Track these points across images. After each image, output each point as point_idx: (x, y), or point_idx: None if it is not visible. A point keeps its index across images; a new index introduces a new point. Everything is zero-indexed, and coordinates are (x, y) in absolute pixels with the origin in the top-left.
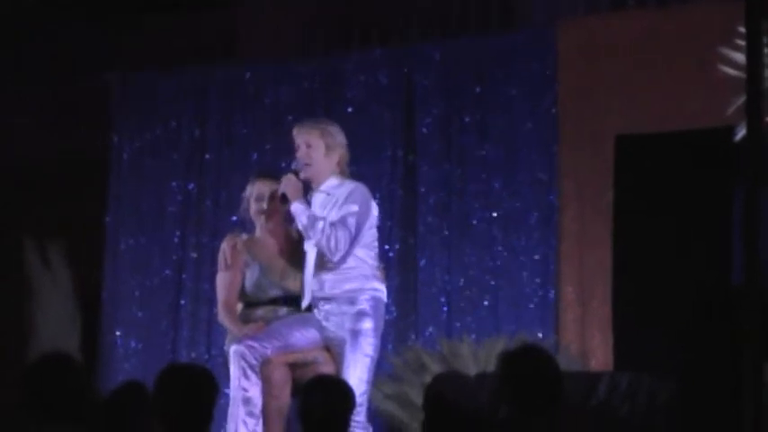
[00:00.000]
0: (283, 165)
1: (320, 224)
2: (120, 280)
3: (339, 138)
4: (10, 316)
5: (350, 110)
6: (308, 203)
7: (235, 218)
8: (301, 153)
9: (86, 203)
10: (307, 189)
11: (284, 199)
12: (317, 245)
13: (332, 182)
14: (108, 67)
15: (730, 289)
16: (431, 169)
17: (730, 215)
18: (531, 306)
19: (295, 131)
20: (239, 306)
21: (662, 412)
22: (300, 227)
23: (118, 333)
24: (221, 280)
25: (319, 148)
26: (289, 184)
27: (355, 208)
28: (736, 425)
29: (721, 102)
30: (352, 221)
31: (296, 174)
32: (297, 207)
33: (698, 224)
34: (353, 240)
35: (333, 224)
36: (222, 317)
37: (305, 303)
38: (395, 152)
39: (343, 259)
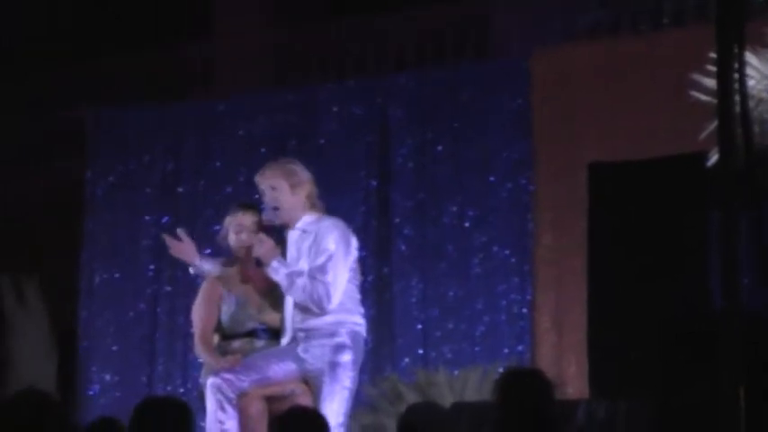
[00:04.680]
0: (257, 196)
1: (299, 281)
2: (95, 314)
3: (302, 174)
4: None
5: (323, 141)
6: (284, 251)
7: (209, 251)
8: (268, 198)
9: (60, 238)
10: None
11: (259, 262)
12: (301, 302)
13: (306, 219)
14: (81, 101)
15: (706, 314)
16: (405, 199)
17: (704, 241)
18: (507, 335)
19: (257, 179)
20: (216, 338)
21: None
22: (282, 287)
23: (93, 368)
24: (197, 312)
25: (284, 188)
26: (261, 246)
27: (332, 248)
28: None
29: (694, 128)
30: (329, 267)
31: (267, 226)
32: (273, 268)
33: (673, 250)
34: (335, 286)
35: (312, 277)
36: (199, 349)
37: (286, 339)
38: (369, 183)
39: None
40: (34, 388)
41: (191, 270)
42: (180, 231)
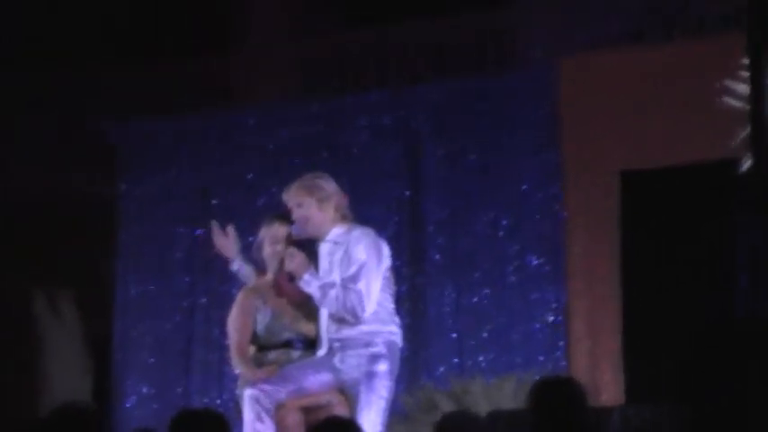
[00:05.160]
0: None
1: (332, 293)
2: (130, 326)
3: (328, 187)
4: (22, 366)
5: (354, 152)
6: (316, 264)
7: (234, 265)
8: (296, 215)
9: (95, 252)
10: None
11: (292, 277)
12: (334, 314)
13: (336, 231)
14: (109, 114)
15: (735, 320)
16: (437, 209)
17: (736, 246)
18: (542, 342)
19: (284, 197)
20: (251, 349)
21: None
22: (315, 299)
23: (129, 380)
24: (233, 324)
25: (311, 204)
26: (292, 261)
27: (363, 257)
28: None
29: (726, 134)
30: (361, 276)
31: (298, 241)
32: (306, 281)
33: (705, 256)
34: (368, 295)
35: (345, 287)
36: (235, 361)
37: (323, 350)
38: (401, 192)
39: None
40: (72, 401)
41: (232, 267)
42: (229, 227)
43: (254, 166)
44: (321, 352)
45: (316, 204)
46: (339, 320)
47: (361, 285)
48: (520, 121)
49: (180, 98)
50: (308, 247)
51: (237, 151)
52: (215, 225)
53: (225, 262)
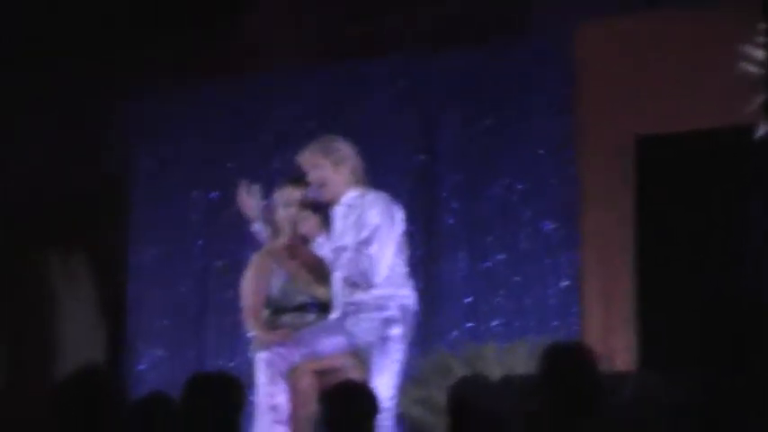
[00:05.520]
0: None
1: (345, 256)
2: (143, 290)
3: (344, 150)
4: (35, 329)
5: (368, 116)
6: (330, 227)
7: (256, 226)
8: (312, 177)
9: (108, 215)
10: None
11: (305, 239)
12: (347, 278)
13: (351, 194)
14: (124, 79)
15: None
16: (452, 174)
17: (750, 212)
18: (556, 308)
19: (300, 159)
20: (265, 313)
21: (688, 413)
22: (328, 262)
23: (143, 343)
24: (247, 286)
25: (326, 166)
26: (306, 223)
27: (377, 221)
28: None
29: (742, 100)
30: (374, 240)
31: (312, 203)
32: (319, 244)
33: (720, 222)
34: (380, 259)
35: (357, 251)
36: (248, 323)
37: (335, 313)
38: (415, 157)
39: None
40: (87, 365)
41: (253, 227)
42: (254, 187)
43: (269, 130)
44: (334, 315)
45: (331, 167)
46: (352, 284)
47: (373, 249)
48: (535, 86)
49: (196, 64)
50: (322, 210)
51: (251, 118)
52: (242, 183)
53: (240, 225)
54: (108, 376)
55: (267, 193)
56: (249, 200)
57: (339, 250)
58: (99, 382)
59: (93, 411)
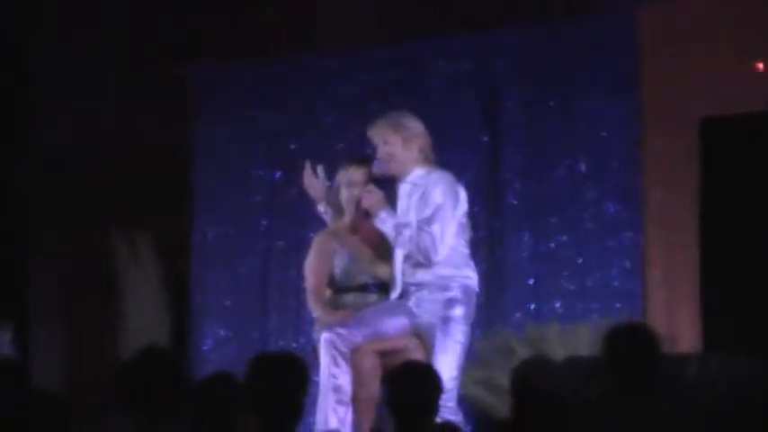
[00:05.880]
0: (368, 151)
1: (407, 232)
2: (207, 269)
3: (415, 127)
4: (100, 310)
5: (431, 97)
6: (393, 203)
7: (321, 207)
8: (380, 152)
9: (172, 194)
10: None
11: (368, 214)
12: (408, 256)
13: (417, 172)
14: (189, 57)
15: None
16: (516, 154)
17: None
18: (619, 290)
19: (370, 132)
20: (328, 292)
21: (753, 395)
22: (388, 236)
23: (206, 323)
24: (310, 267)
25: (396, 142)
26: (369, 197)
27: (440, 200)
28: None
29: None
30: (436, 219)
31: (378, 179)
32: (381, 218)
33: None
34: (442, 238)
35: (420, 228)
36: (311, 303)
37: (396, 292)
38: (479, 138)
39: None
40: (153, 345)
41: (319, 208)
42: (319, 168)
43: (332, 110)
44: (394, 294)
45: (401, 143)
46: (415, 264)
47: (435, 228)
48: (599, 67)
49: (260, 42)
50: (387, 187)
51: (315, 96)
52: (307, 164)
53: (303, 206)
54: (172, 356)
55: (330, 174)
56: (314, 181)
57: (401, 227)
58: (163, 363)
59: (157, 391)
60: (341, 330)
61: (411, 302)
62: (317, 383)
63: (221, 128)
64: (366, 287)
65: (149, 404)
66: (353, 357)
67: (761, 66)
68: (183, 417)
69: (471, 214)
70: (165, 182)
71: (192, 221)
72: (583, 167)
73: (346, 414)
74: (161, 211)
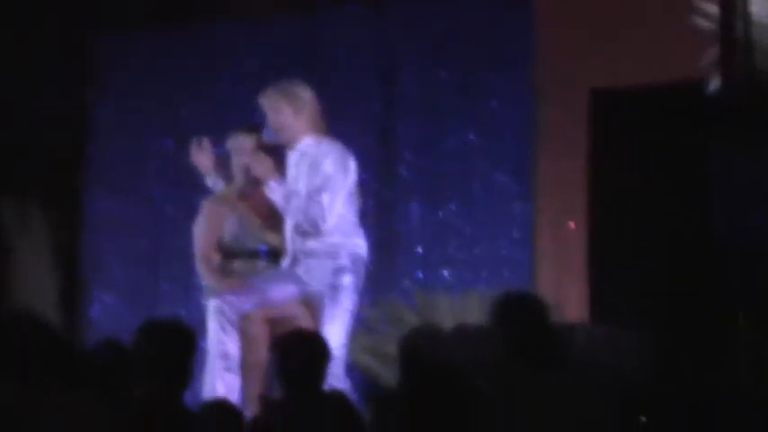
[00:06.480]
0: (259, 122)
1: (295, 201)
2: (98, 238)
3: (305, 96)
4: None
5: (328, 68)
6: (283, 171)
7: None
8: (271, 120)
9: (64, 161)
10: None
11: (258, 182)
12: (297, 224)
13: (307, 141)
14: (88, 25)
15: (711, 244)
16: (408, 125)
17: (705, 169)
18: (508, 259)
19: (261, 100)
20: (217, 258)
21: (639, 365)
22: (277, 204)
23: (96, 290)
24: (199, 232)
25: (287, 111)
26: (260, 165)
27: (330, 170)
28: (716, 378)
29: (695, 54)
30: (326, 189)
31: (268, 147)
32: (271, 187)
33: (674, 176)
34: (330, 208)
35: (308, 198)
36: (200, 269)
37: (287, 260)
38: (372, 107)
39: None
40: (27, 310)
41: (207, 182)
42: (204, 141)
43: (227, 80)
44: (285, 262)
45: (292, 112)
46: (304, 232)
47: (324, 198)
48: (493, 39)
49: (153, 10)
50: (277, 153)
51: (211, 66)
52: (194, 144)
53: (196, 174)
54: (45, 320)
55: (223, 140)
56: (202, 154)
57: (290, 195)
58: (36, 325)
59: (26, 358)
60: (229, 297)
61: (300, 270)
62: (205, 350)
63: (115, 97)
64: (256, 254)
65: (26, 371)
66: (242, 324)
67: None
68: (71, 385)
69: (362, 183)
70: (58, 148)
71: (85, 190)
72: (474, 139)
73: (234, 381)
74: (53, 179)
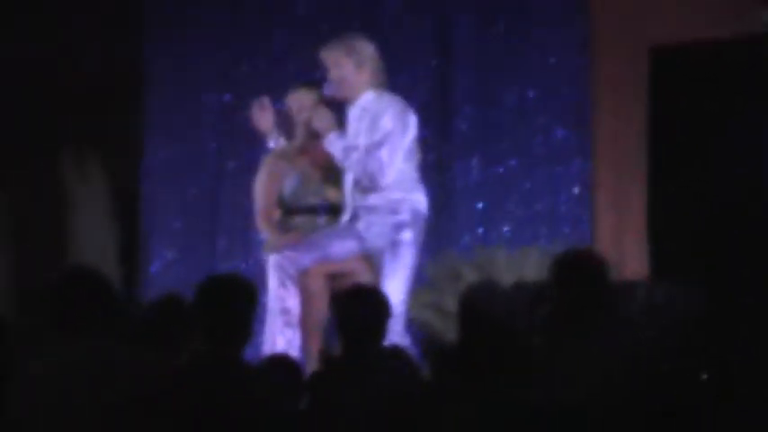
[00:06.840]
0: (318, 75)
1: (354, 155)
2: (157, 191)
3: (367, 51)
4: (48, 229)
5: (384, 20)
6: (343, 125)
7: (271, 141)
8: (332, 74)
9: (122, 115)
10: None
11: (318, 135)
12: (355, 179)
13: (367, 96)
14: None
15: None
16: (466, 79)
17: (763, 127)
18: (567, 215)
19: (322, 54)
20: (277, 214)
21: (695, 321)
22: (336, 158)
23: (155, 245)
24: (259, 188)
25: (348, 65)
26: (320, 119)
27: (389, 126)
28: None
29: (759, 10)
30: (385, 144)
31: (328, 100)
32: (330, 140)
33: (733, 134)
34: (390, 163)
35: (368, 152)
36: (260, 225)
37: (346, 216)
38: (430, 62)
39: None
40: (84, 264)
41: (268, 142)
42: (264, 99)
43: (283, 34)
44: (345, 218)
45: (353, 66)
46: (364, 188)
47: (383, 153)
48: None
49: None
50: (337, 110)
51: (267, 19)
52: (256, 104)
53: (252, 129)
54: (99, 278)
55: (281, 95)
56: (263, 115)
57: (349, 150)
58: (89, 285)
59: (87, 314)
60: (289, 253)
61: (360, 226)
62: (265, 306)
63: (173, 50)
64: (316, 209)
65: (88, 327)
66: (302, 280)
67: None
68: (131, 340)
69: (421, 138)
70: (116, 101)
71: (144, 142)
72: (532, 93)
73: (294, 337)
74: (112, 130)
